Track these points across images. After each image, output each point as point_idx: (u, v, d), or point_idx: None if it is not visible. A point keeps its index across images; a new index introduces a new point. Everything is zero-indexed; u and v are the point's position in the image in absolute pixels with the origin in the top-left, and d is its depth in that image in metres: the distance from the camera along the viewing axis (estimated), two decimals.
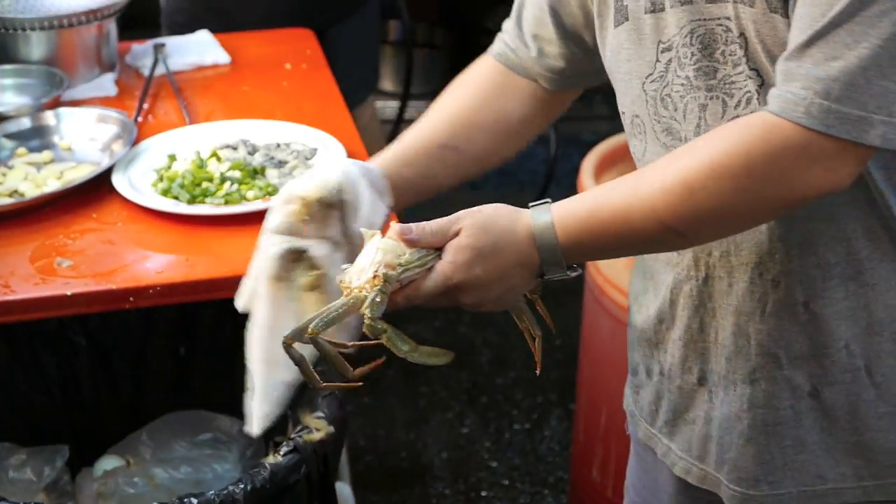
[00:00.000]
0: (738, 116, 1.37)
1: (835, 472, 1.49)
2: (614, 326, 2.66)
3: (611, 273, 2.68)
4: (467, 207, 1.40)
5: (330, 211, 1.51)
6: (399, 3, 4.01)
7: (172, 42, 2.91)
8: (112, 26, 2.76)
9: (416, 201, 1.65)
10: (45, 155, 2.39)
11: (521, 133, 1.70)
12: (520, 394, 3.63)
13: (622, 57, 1.49)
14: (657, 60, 1.44)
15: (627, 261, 2.59)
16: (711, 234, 1.39)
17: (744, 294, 1.46)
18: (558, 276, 1.39)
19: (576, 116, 4.74)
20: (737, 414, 1.52)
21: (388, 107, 4.62)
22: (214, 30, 3.02)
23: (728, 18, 1.36)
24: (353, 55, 3.41)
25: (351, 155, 2.25)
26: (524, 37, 1.66)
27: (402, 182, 1.60)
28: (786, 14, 1.30)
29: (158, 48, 2.83)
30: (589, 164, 2.85)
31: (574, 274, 1.39)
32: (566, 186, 3.99)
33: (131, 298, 1.96)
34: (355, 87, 3.40)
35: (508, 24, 1.69)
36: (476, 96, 1.67)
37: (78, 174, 2.28)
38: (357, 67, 3.46)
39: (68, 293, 1.94)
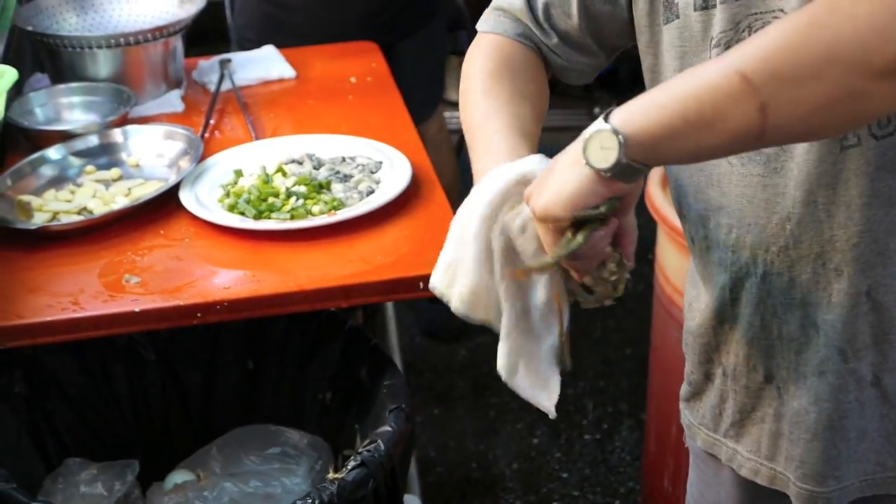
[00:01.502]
0: None
1: (894, 458, 1.47)
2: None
3: (680, 283, 2.66)
4: None
5: None
6: (464, 15, 4.01)
7: (238, 57, 2.93)
8: (178, 43, 2.78)
9: None
10: (114, 172, 2.41)
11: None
12: (590, 404, 3.61)
13: (672, 55, 1.46)
14: (709, 57, 1.39)
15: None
16: (785, 90, 1.14)
17: (808, 285, 1.44)
18: (609, 157, 1.21)
19: None
20: (805, 408, 1.50)
21: (455, 117, 4.61)
22: (283, 45, 3.04)
23: (782, 10, 1.32)
24: (420, 69, 3.42)
25: (415, 170, 2.26)
26: (539, 22, 1.59)
27: None
28: None
29: (224, 64, 2.85)
30: (656, 172, 2.83)
31: (638, 167, 1.21)
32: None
33: (199, 314, 1.97)
34: (423, 100, 3.41)
35: (516, 4, 1.60)
36: (536, 80, 1.59)
37: (145, 191, 2.30)
38: (425, 81, 3.47)
39: (136, 310, 1.96)
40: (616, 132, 1.19)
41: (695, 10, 1.41)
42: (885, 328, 1.42)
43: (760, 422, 1.56)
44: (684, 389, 1.71)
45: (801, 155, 1.37)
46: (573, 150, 1.25)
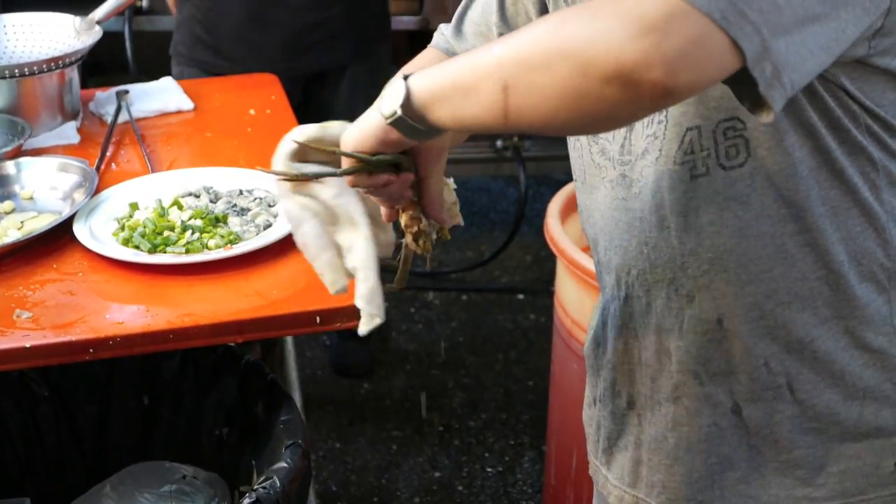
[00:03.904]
0: (655, 134, 1.39)
1: (767, 493, 1.48)
2: (583, 368, 2.64)
3: (578, 316, 2.67)
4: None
5: None
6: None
7: (136, 89, 2.89)
8: (74, 74, 2.74)
9: None
10: (6, 205, 2.37)
11: None
12: (492, 437, 3.61)
13: None
14: None
15: (594, 303, 2.58)
16: (522, 74, 1.17)
17: (662, 311, 1.47)
18: (393, 105, 1.28)
19: (547, 156, 4.78)
20: (663, 434, 1.52)
21: None
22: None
23: None
24: (357, 100, 3.40)
25: None
26: (464, 43, 1.68)
27: None
28: None
29: (122, 95, 2.81)
30: (556, 205, 2.85)
31: (413, 124, 1.28)
32: (538, 226, 3.99)
33: (91, 350, 1.94)
34: None
35: (448, 28, 1.71)
36: None
37: (38, 224, 2.26)
38: (360, 114, 3.45)
39: (27, 345, 1.92)
40: (405, 85, 1.26)
41: None
42: (741, 357, 1.43)
43: (624, 449, 1.59)
44: (583, 416, 1.73)
45: (654, 182, 1.41)
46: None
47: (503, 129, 1.26)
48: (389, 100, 1.28)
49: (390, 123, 1.29)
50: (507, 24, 1.64)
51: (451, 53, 1.68)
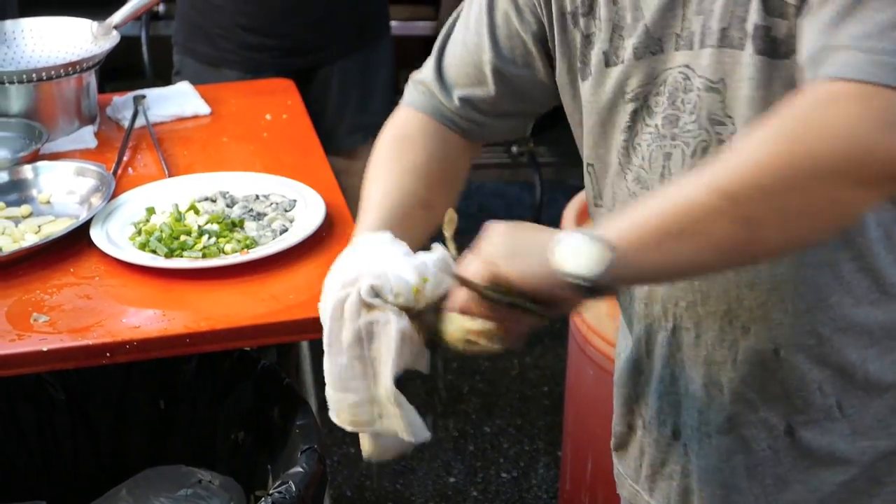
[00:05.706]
0: (695, 166, 1.35)
1: None
2: (598, 374, 2.65)
3: (594, 321, 2.67)
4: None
5: None
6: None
7: (153, 94, 2.90)
8: (92, 79, 2.75)
9: None
10: (24, 209, 2.38)
11: (462, 181, 1.66)
12: (507, 442, 3.61)
13: (589, 110, 1.49)
14: (622, 111, 1.44)
15: (610, 308, 2.58)
16: (769, 203, 1.15)
17: (714, 343, 1.45)
18: (593, 266, 1.21)
19: (562, 162, 4.77)
20: (716, 465, 1.51)
21: None
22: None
23: (688, 66, 1.36)
24: (351, 94, 3.40)
25: (329, 208, 2.24)
26: (448, 90, 1.62)
27: None
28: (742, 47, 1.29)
29: (139, 100, 2.82)
30: (571, 211, 2.85)
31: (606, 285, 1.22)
32: None
33: (108, 354, 1.94)
34: (351, 129, 3.40)
35: (428, 75, 1.64)
36: (431, 152, 1.61)
37: (56, 228, 2.27)
38: (354, 108, 3.43)
39: (44, 349, 1.93)
40: (608, 247, 1.20)
41: (606, 66, 1.44)
42: (796, 384, 1.43)
43: (670, 478, 1.58)
44: (612, 440, 1.71)
45: None
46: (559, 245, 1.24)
47: (736, 265, 1.29)
48: (580, 260, 1.20)
49: (576, 284, 1.22)
50: (502, 58, 1.58)
51: (438, 110, 1.62)
